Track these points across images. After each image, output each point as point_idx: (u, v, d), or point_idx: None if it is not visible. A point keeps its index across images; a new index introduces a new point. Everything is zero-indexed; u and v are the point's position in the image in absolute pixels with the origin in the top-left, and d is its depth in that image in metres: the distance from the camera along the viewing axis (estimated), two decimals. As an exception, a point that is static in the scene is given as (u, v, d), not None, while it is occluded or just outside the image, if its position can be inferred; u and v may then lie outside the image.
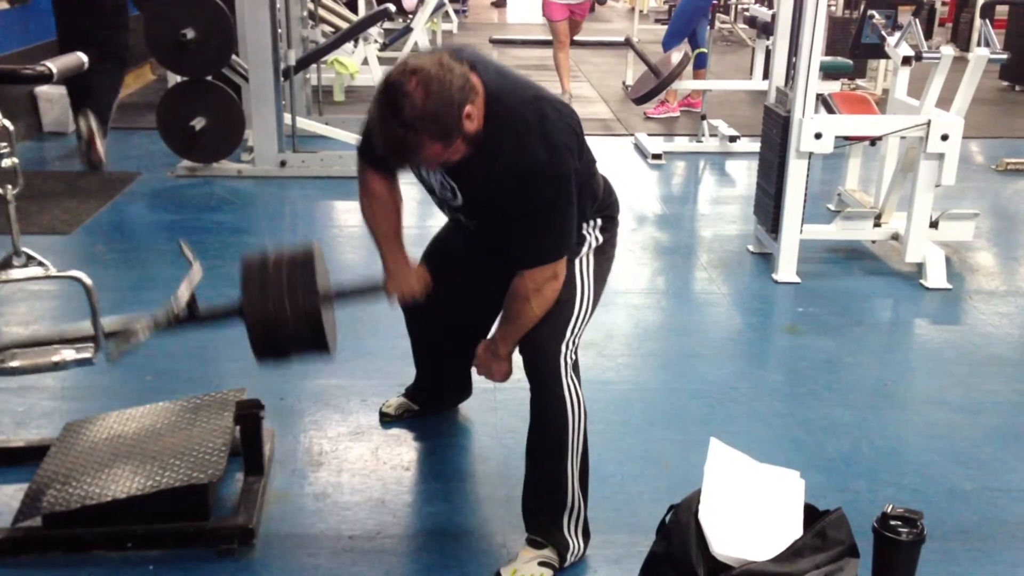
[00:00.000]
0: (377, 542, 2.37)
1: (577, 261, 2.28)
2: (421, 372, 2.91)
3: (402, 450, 2.79)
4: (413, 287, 2.39)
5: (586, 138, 2.18)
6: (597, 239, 2.32)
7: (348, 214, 5.11)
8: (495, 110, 2.03)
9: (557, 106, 2.13)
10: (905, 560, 2.01)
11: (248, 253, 2.33)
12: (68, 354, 2.21)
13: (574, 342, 2.25)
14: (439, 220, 2.56)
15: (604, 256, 2.36)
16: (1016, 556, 2.38)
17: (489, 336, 2.39)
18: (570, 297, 2.24)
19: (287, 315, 2.22)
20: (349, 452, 2.76)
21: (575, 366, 2.26)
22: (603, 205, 2.33)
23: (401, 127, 1.91)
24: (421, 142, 1.94)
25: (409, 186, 2.41)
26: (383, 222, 2.38)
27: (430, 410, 2.94)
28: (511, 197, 2.07)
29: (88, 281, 2.14)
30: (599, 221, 2.32)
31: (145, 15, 5.31)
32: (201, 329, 2.43)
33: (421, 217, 4.18)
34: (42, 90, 6.33)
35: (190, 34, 5.08)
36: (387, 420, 2.92)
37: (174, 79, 5.96)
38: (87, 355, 2.21)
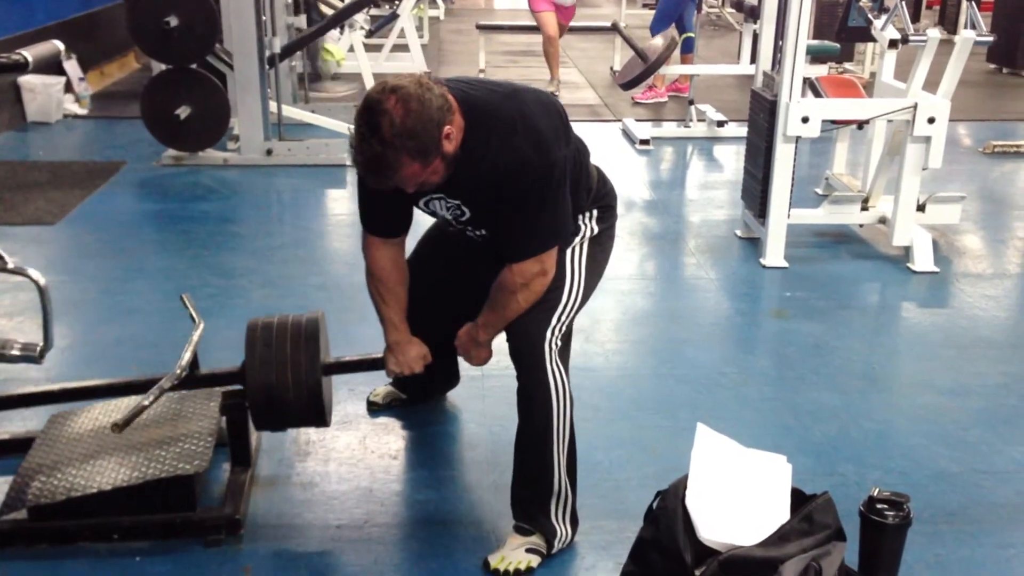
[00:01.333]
0: (365, 531, 2.37)
1: (569, 250, 2.27)
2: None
3: (390, 439, 2.79)
4: (412, 364, 2.40)
5: (575, 126, 2.17)
6: (593, 229, 2.32)
7: (335, 202, 5.08)
8: (474, 117, 2.03)
9: (536, 95, 2.13)
10: (892, 543, 2.02)
11: (254, 319, 2.37)
12: (15, 348, 2.21)
13: (560, 330, 2.24)
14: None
15: (599, 247, 2.35)
16: (1002, 538, 2.39)
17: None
18: (558, 285, 2.23)
19: (289, 390, 2.28)
20: (336, 441, 2.75)
21: (561, 353, 2.25)
22: (599, 195, 2.33)
23: (380, 144, 1.90)
24: (400, 160, 1.93)
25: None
26: (389, 302, 2.36)
27: (417, 398, 2.94)
28: (504, 195, 2.07)
29: (41, 280, 2.11)
30: (595, 211, 2.32)
31: (128, 2, 5.25)
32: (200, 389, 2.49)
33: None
34: (25, 80, 6.27)
35: (173, 22, 5.03)
36: (374, 409, 2.92)
37: (158, 67, 5.90)
38: (32, 353, 2.20)
